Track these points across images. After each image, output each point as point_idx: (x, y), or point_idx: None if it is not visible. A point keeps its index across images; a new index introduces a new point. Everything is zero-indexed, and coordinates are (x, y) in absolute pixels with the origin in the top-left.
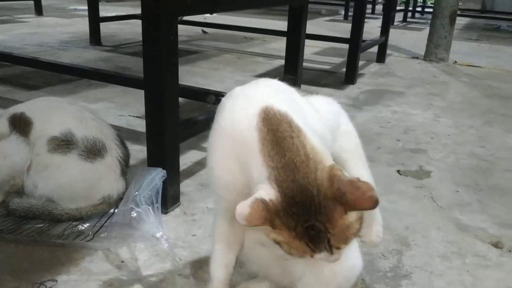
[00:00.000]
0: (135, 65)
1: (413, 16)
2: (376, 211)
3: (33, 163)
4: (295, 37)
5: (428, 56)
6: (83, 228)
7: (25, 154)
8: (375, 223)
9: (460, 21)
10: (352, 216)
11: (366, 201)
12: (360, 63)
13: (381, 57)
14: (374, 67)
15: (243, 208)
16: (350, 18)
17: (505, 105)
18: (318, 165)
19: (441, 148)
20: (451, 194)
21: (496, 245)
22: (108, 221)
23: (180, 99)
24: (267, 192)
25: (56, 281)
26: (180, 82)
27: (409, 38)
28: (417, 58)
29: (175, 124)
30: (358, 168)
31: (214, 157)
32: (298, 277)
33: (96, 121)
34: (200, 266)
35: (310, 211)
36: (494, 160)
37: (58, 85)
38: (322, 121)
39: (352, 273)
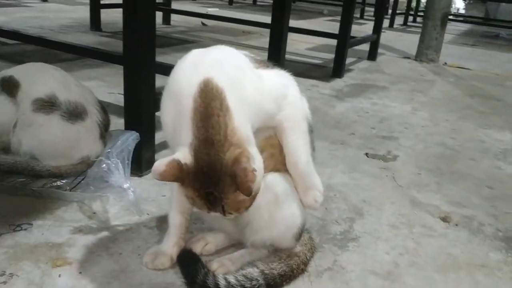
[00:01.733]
0: None
1: (414, 20)
2: (316, 178)
3: (18, 121)
4: (278, 28)
5: (419, 56)
6: (61, 184)
7: (11, 113)
8: (314, 189)
9: (461, 27)
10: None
11: (245, 189)
12: (351, 60)
13: (372, 55)
14: (364, 64)
15: (160, 165)
16: None
17: (483, 103)
18: (231, 146)
19: (412, 137)
20: (412, 176)
21: (445, 219)
22: (85, 178)
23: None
24: (185, 156)
25: (32, 224)
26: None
27: (405, 40)
28: (408, 58)
29: (151, 94)
30: (295, 138)
31: (162, 114)
32: (245, 225)
33: (79, 87)
34: (165, 220)
35: (212, 181)
36: (461, 149)
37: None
38: (266, 90)
39: (291, 221)
